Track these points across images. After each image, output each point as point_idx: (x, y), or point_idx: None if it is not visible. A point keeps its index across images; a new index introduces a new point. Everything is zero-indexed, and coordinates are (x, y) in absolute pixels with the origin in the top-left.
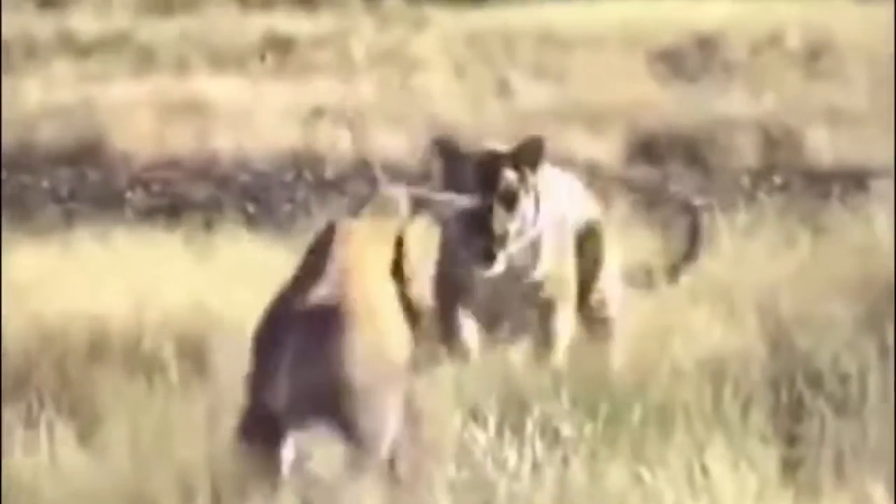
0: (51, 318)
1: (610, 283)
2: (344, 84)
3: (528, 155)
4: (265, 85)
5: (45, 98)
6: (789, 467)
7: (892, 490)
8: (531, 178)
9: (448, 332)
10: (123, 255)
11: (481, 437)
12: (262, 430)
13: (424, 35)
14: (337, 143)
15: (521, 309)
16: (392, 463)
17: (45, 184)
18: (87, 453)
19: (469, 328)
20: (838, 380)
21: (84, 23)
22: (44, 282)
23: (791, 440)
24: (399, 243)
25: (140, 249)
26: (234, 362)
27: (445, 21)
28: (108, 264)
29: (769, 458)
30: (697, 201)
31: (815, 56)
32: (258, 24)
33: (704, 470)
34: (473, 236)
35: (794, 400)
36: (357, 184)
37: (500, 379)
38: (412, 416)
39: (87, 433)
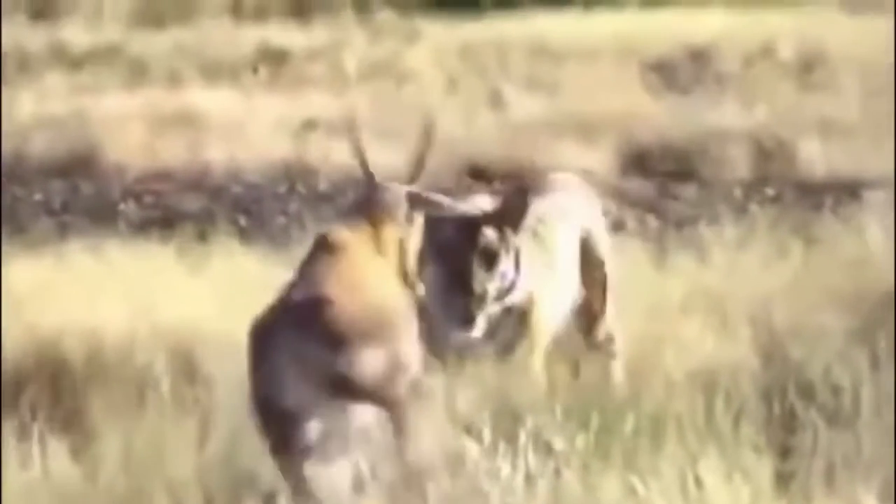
0: (44, 331)
1: (613, 309)
2: (337, 97)
3: (511, 214)
4: (258, 97)
5: (38, 110)
6: (782, 478)
7: (885, 501)
8: (512, 238)
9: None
10: (117, 267)
11: (474, 449)
12: (277, 426)
13: (417, 48)
14: (330, 156)
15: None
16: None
17: (38, 196)
18: (80, 467)
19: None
20: (831, 391)
21: (76, 35)
22: (37, 295)
23: (784, 451)
24: (401, 246)
25: (134, 262)
26: (227, 376)
27: (438, 34)
28: (101, 277)
29: (762, 469)
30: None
31: (808, 68)
32: (251, 36)
33: (698, 481)
34: (452, 297)
35: (786, 411)
36: (351, 196)
37: (493, 391)
38: (401, 429)
39: (80, 447)
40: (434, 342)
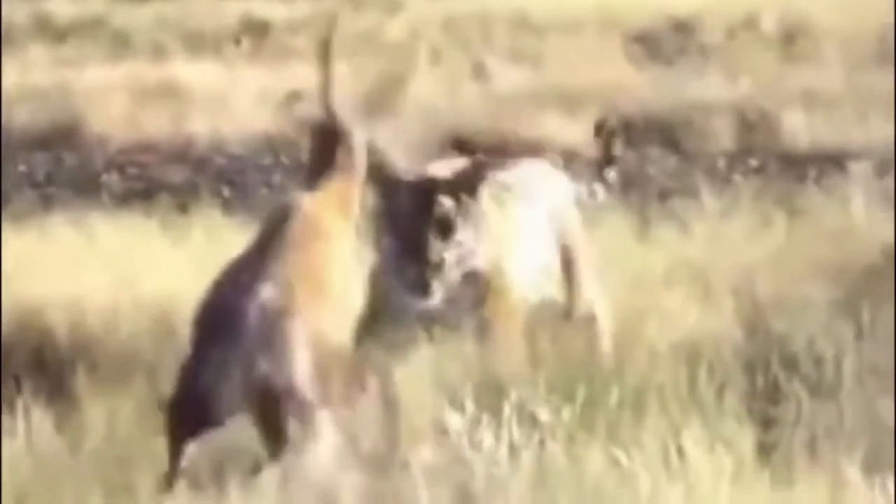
0: (28, 303)
1: (592, 283)
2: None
3: (468, 182)
4: (241, 69)
5: (21, 82)
6: (765, 449)
7: (867, 471)
8: (472, 206)
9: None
10: (101, 239)
11: (458, 421)
12: (189, 418)
13: (399, 19)
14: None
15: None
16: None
17: (21, 168)
18: (65, 438)
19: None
20: (814, 362)
21: (60, 7)
22: (21, 267)
23: (766, 422)
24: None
25: (117, 233)
26: None
27: (420, 6)
28: (85, 249)
29: (745, 440)
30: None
31: (791, 39)
32: (234, 8)
33: (680, 452)
34: (407, 266)
35: (769, 382)
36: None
37: (477, 363)
38: (388, 401)
39: (64, 418)
40: (394, 311)
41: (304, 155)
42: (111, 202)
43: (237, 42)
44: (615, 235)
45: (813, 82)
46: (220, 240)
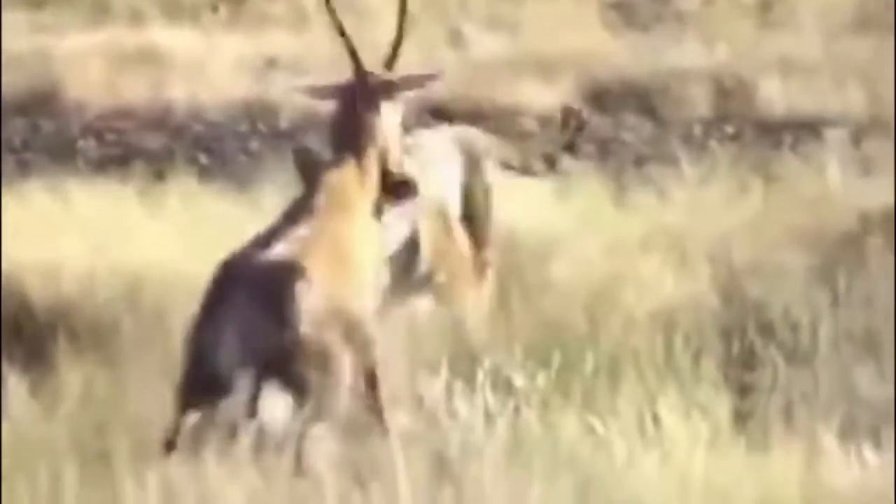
0: (5, 268)
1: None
2: (297, 36)
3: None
4: (218, 36)
5: None
6: (741, 416)
7: (843, 438)
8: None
9: None
10: (77, 205)
11: (434, 388)
12: (207, 391)
13: None
14: (291, 95)
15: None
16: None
17: None
18: (40, 403)
19: None
20: (790, 329)
21: None
22: None
23: (742, 389)
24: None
25: (93, 200)
26: (187, 315)
27: None
28: (62, 215)
29: (721, 406)
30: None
31: (768, 6)
32: None
33: (656, 419)
34: None
35: (745, 349)
36: (310, 135)
37: (451, 329)
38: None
39: (39, 384)
40: None
41: (282, 123)
42: (87, 168)
43: (214, 9)
44: (592, 201)
45: (790, 49)
46: (196, 207)
